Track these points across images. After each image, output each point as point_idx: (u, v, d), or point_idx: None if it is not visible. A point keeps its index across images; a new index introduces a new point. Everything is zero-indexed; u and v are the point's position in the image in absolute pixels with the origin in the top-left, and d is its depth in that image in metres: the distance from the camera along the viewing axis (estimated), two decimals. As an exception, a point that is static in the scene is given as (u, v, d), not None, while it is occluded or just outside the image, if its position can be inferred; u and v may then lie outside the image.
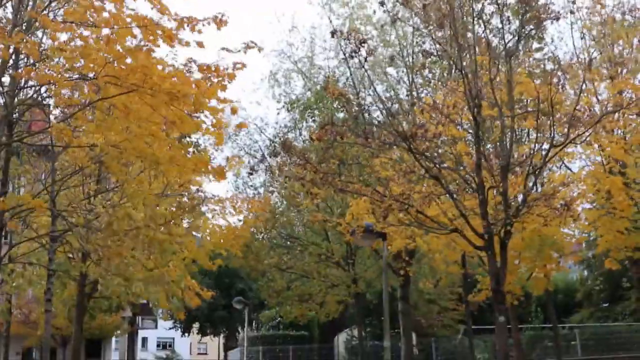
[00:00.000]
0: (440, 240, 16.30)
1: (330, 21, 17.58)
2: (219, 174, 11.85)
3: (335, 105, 21.17)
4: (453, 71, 15.92)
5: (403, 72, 22.72)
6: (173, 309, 20.24)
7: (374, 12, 19.92)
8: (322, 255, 26.66)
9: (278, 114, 29.47)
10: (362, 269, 26.54)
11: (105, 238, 12.36)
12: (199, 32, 9.58)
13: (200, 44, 9.36)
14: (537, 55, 16.88)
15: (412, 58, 19.67)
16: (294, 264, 27.59)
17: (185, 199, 15.73)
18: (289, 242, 28.87)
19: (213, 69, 9.58)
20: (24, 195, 10.62)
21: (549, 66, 14.90)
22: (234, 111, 10.70)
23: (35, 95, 12.38)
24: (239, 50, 9.68)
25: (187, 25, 9.43)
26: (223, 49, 9.62)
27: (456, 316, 34.95)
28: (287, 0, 37.08)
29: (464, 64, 13.47)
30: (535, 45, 17.34)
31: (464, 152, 14.33)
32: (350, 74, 18.94)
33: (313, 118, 27.30)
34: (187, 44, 9.38)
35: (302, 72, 28.24)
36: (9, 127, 11.12)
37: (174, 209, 15.45)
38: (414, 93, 20.30)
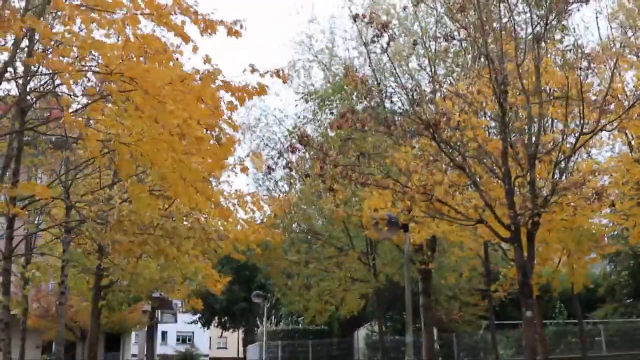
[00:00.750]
0: (454, 228, 15.76)
1: (351, 11, 17.28)
2: (225, 214, 11.58)
3: (354, 97, 20.74)
4: (477, 58, 15.46)
5: (424, 62, 22.27)
6: (190, 294, 19.45)
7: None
8: (342, 249, 26.33)
9: (296, 105, 29.08)
10: (383, 262, 26.15)
11: (116, 233, 12.05)
12: (212, 33, 9.01)
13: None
14: (560, 46, 16.41)
15: (435, 46, 19.28)
16: (314, 259, 27.25)
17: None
18: (309, 237, 28.53)
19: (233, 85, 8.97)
20: (32, 183, 10.28)
21: (573, 56, 14.43)
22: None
23: (47, 84, 12.15)
24: (266, 73, 9.07)
25: (203, 25, 8.89)
26: (251, 66, 9.00)
27: (478, 311, 34.50)
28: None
29: (490, 47, 13.01)
30: (558, 35, 16.85)
31: (488, 140, 13.88)
32: (371, 63, 18.53)
33: (331, 111, 26.90)
34: (196, 49, 8.80)
35: (322, 63, 27.81)
36: (21, 114, 10.85)
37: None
38: (436, 82, 19.89)
